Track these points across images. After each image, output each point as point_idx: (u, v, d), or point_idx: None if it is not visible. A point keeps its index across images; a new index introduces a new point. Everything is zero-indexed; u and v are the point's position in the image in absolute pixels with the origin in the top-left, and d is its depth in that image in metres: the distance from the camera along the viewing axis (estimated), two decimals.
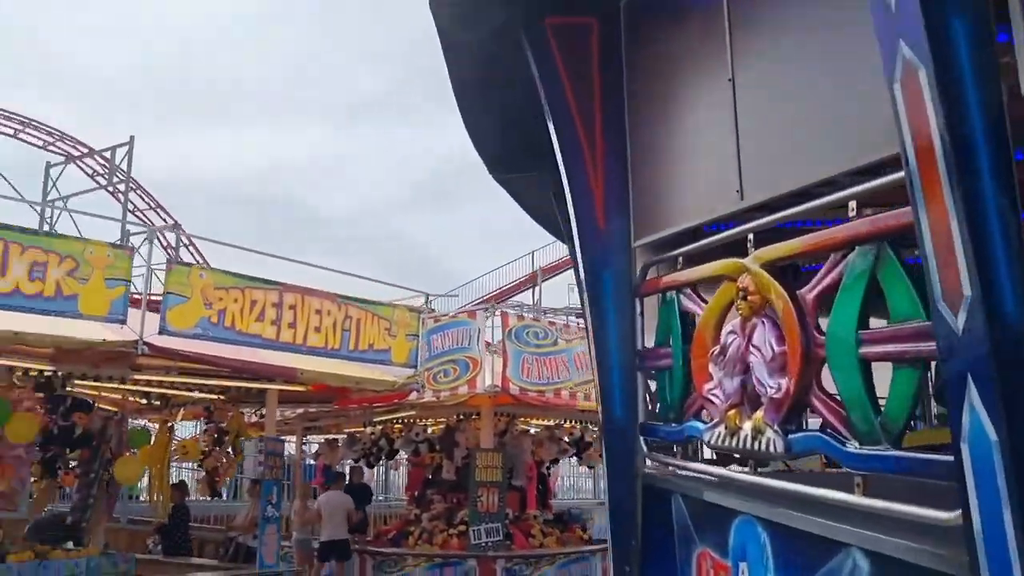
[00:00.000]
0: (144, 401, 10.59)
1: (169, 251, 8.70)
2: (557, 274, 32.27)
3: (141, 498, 17.68)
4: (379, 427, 14.07)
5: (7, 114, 21.93)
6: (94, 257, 7.06)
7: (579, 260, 4.52)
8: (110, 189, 23.60)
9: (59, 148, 23.15)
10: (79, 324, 7.12)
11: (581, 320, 19.47)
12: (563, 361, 12.00)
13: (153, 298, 7.88)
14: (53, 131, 22.64)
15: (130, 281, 7.34)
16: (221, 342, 7.90)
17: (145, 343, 7.31)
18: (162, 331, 7.42)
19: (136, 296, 7.63)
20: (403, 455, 15.55)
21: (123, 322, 7.21)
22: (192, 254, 20.80)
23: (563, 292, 33.45)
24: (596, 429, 14.41)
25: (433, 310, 10.96)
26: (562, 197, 5.18)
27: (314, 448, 16.37)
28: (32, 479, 9.60)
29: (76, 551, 8.91)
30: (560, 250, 32.34)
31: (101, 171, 23.59)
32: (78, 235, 7.33)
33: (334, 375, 8.82)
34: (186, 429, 14.41)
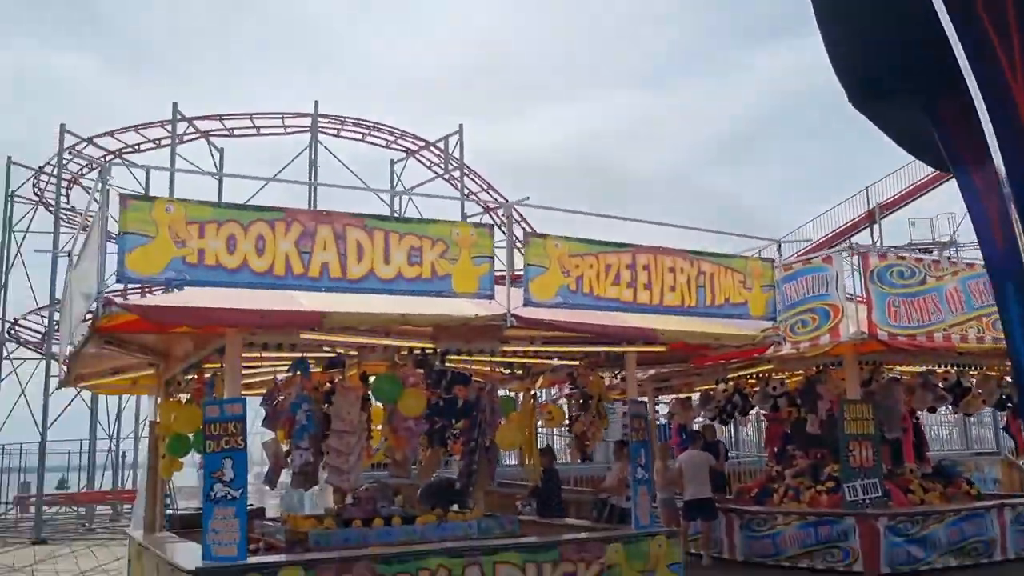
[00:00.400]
0: (507, 371, 11.12)
1: (503, 229, 9.09)
2: (896, 209, 29.69)
3: (505, 462, 18.80)
4: (731, 383, 13.74)
5: (355, 120, 24.26)
6: (460, 238, 7.43)
7: (1004, 187, 3.87)
8: (446, 176, 25.41)
9: (400, 145, 25.23)
10: (453, 302, 7.56)
11: (946, 254, 17.60)
12: (934, 300, 10.89)
13: (498, 272, 8.15)
14: (394, 130, 24.71)
15: (493, 257, 7.64)
16: (581, 308, 8.00)
17: (513, 315, 7.58)
18: (526, 303, 7.65)
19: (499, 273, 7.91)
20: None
21: (491, 297, 7.53)
22: (525, 228, 21.61)
23: (903, 229, 30.81)
24: (975, 374, 13.01)
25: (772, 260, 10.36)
26: (944, 118, 4.53)
27: (665, 409, 16.37)
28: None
29: (464, 513, 9.56)
30: (898, 183, 29.75)
31: (437, 161, 25.39)
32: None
33: (693, 333, 8.63)
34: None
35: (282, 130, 23.89)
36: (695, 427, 14.40)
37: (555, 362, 10.34)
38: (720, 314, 8.78)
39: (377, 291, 7.08)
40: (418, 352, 8.84)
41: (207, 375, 9.31)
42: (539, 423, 11.30)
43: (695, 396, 14.84)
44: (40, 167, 25.30)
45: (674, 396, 15.60)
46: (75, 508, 26.80)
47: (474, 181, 25.33)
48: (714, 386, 13.99)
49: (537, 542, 8.42)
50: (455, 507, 9.86)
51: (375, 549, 7.84)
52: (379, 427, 9.82)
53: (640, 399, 9.78)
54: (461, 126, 24.21)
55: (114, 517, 25.84)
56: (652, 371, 12.97)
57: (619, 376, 11.43)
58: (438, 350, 8.77)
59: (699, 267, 8.61)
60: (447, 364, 9.31)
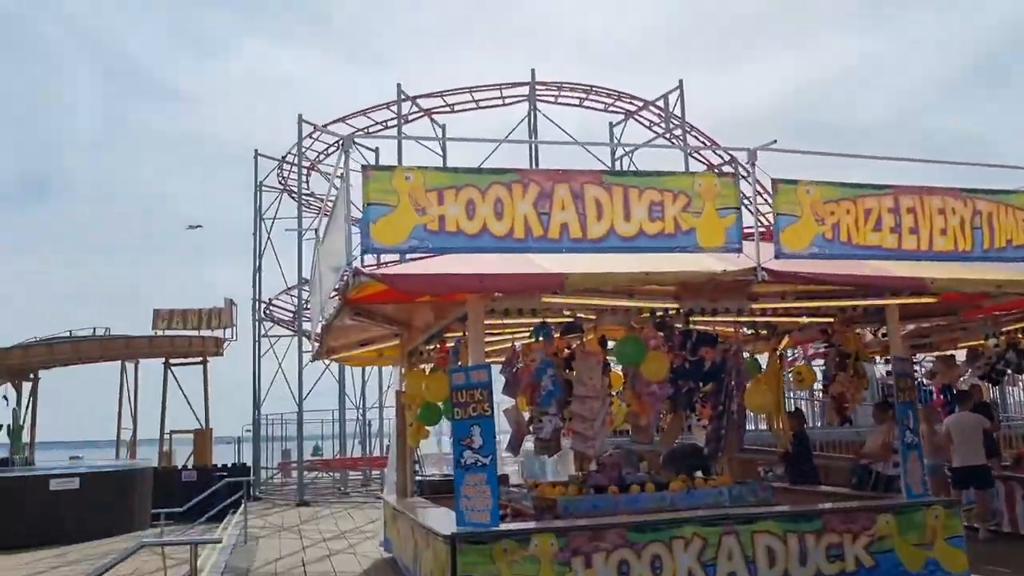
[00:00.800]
0: (750, 331, 10.52)
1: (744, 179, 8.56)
2: None
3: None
4: (1003, 338, 12.32)
5: (572, 85, 24.04)
6: (703, 189, 6.97)
7: None
8: (667, 136, 24.66)
9: (618, 107, 24.75)
10: (696, 259, 7.12)
11: None
12: None
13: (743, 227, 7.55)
14: (612, 92, 24.25)
15: (739, 208, 7.12)
16: (838, 259, 7.32)
17: (763, 269, 7.04)
18: (777, 255, 7.09)
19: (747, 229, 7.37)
20: None
21: (739, 250, 7.03)
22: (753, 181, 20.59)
23: None
24: None
25: None
26: None
27: (925, 368, 15.02)
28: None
29: (711, 480, 9.14)
30: None
31: (657, 120, 24.71)
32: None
33: (970, 280, 7.68)
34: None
35: (500, 102, 24.11)
36: (959, 388, 13.09)
37: (804, 320, 9.63)
38: (1001, 258, 7.77)
39: (618, 250, 6.78)
40: (660, 313, 8.48)
41: (449, 344, 9.44)
42: (788, 385, 10.61)
43: (958, 353, 13.47)
44: (282, 157, 27.10)
45: (933, 354, 14.27)
46: (330, 473, 28.78)
47: (696, 138, 24.43)
48: (982, 341, 12.60)
49: (798, 511, 7.86)
50: (699, 473, 9.47)
51: (626, 517, 7.62)
52: (615, 392, 9.60)
53: (907, 357, 8.91)
54: (681, 82, 23.39)
55: (364, 482, 27.47)
56: (911, 327, 11.86)
57: (876, 332, 10.51)
58: (681, 310, 8.37)
59: (974, 206, 7.65)
60: (690, 326, 8.89)
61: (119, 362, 35.01)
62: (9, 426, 26.61)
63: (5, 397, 31.37)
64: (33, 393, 33.38)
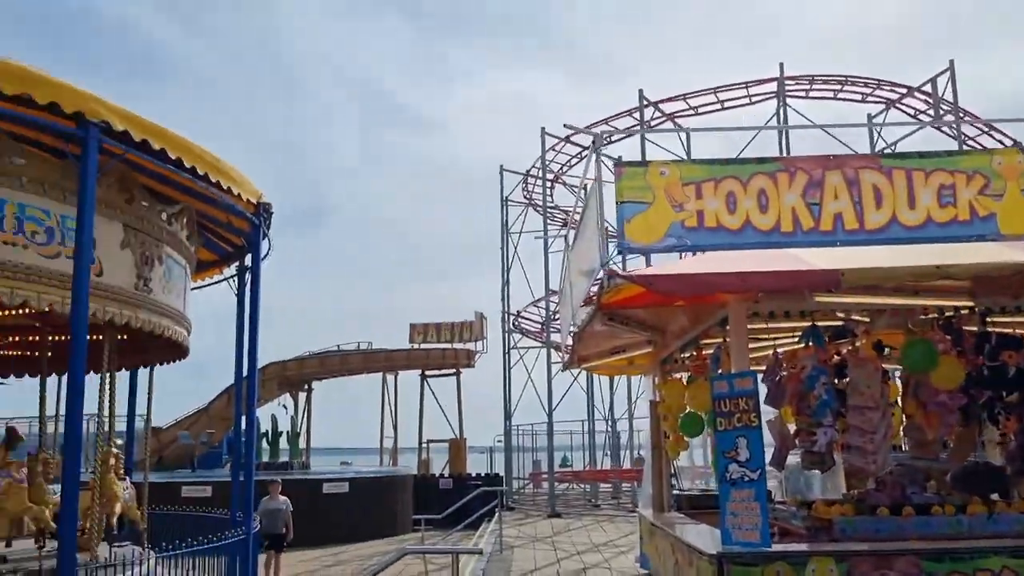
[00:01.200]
0: None
1: None
2: None
3: None
4: None
5: (825, 77, 22.54)
6: (1003, 168, 6.10)
7: None
8: (935, 125, 22.52)
9: (878, 96, 22.90)
10: (998, 247, 6.21)
11: None
12: None
13: None
14: (870, 81, 22.47)
15: None
16: None
17: None
18: None
19: None
20: None
21: None
22: None
23: None
24: None
25: None
26: None
27: None
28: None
29: (1012, 504, 7.96)
30: None
31: (923, 108, 22.62)
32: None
33: None
34: None
35: (747, 100, 23.09)
36: None
37: None
38: None
39: (902, 241, 6.07)
40: (949, 313, 7.49)
41: (706, 352, 8.93)
42: None
43: None
44: (527, 171, 27.58)
45: None
46: (580, 484, 28.79)
47: (971, 124, 22.05)
48: None
49: None
50: (996, 496, 8.29)
51: (918, 542, 6.76)
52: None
53: None
54: (952, 63, 21.17)
55: (615, 494, 27.21)
56: None
57: None
58: (977, 309, 7.35)
59: None
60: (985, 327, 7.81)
61: (380, 374, 37.21)
62: (288, 432, 28.88)
63: (284, 406, 34.28)
64: (307, 402, 36.21)
